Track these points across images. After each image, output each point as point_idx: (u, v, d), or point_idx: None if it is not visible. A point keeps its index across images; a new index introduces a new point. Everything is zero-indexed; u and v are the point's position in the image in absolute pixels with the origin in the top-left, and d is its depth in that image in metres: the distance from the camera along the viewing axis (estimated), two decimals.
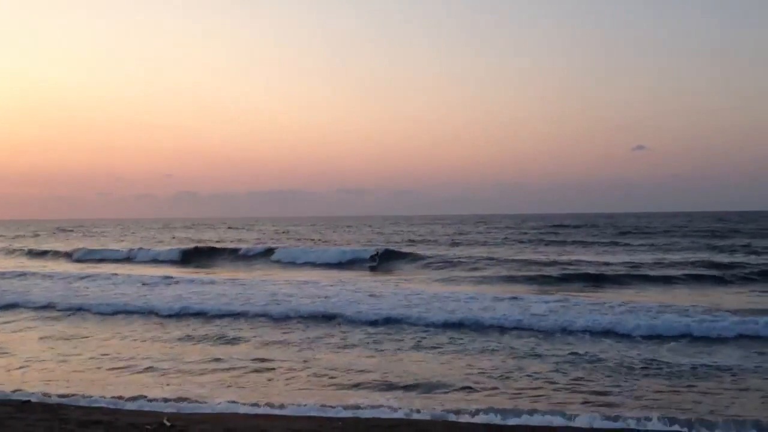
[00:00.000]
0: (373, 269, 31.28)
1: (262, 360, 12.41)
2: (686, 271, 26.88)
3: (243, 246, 45.58)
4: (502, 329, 15.01)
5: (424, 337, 14.28)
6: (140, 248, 45.05)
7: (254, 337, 14.83)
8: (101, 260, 40.49)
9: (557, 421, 8.52)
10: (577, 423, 8.40)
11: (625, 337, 14.01)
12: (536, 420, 8.59)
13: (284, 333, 15.19)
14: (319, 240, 58.39)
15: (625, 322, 14.80)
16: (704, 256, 34.02)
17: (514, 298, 18.79)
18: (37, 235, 76.91)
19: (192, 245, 47.13)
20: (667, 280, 24.97)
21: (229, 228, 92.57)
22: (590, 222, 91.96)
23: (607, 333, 14.33)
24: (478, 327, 15.25)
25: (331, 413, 9.06)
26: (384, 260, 34.93)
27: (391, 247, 40.94)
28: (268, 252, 40.64)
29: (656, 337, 13.88)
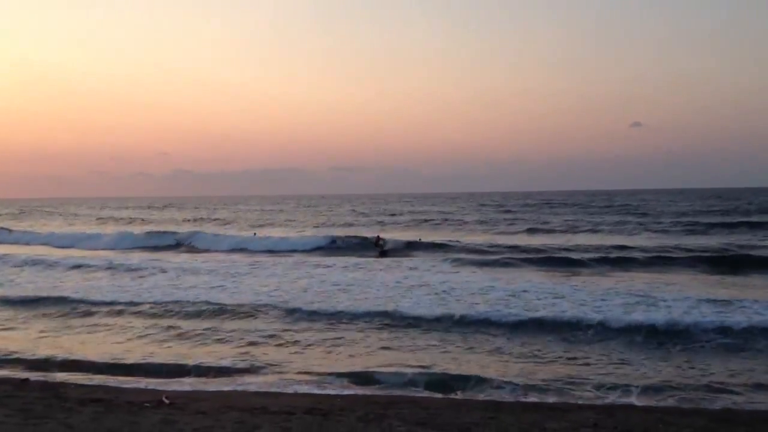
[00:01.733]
0: (383, 254, 29.23)
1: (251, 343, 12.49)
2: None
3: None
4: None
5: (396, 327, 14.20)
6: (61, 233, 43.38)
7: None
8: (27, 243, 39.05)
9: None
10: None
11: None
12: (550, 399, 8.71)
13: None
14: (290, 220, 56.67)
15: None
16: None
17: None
18: None
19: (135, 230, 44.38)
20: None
21: (217, 208, 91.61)
22: (587, 200, 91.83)
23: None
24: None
25: (329, 391, 9.13)
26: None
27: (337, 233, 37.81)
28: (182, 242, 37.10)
29: None
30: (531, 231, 39.84)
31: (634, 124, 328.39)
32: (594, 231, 38.99)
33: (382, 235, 34.25)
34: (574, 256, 26.01)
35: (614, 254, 26.15)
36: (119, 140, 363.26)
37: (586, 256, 25.86)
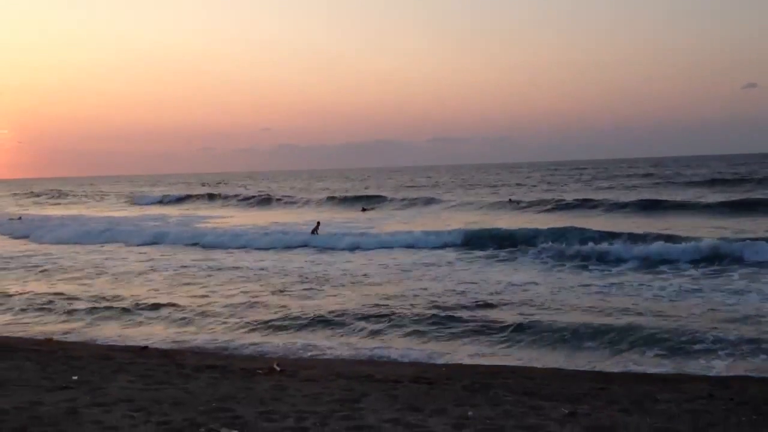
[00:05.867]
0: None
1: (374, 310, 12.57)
2: None
3: None
4: None
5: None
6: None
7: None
8: None
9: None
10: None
11: None
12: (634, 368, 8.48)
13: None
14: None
15: None
16: None
17: None
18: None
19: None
20: None
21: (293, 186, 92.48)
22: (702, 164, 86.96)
23: None
24: None
25: (435, 359, 9.19)
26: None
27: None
28: None
29: None
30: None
31: (748, 85, 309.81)
32: None
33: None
34: None
35: None
36: (223, 118, 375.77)
37: None
